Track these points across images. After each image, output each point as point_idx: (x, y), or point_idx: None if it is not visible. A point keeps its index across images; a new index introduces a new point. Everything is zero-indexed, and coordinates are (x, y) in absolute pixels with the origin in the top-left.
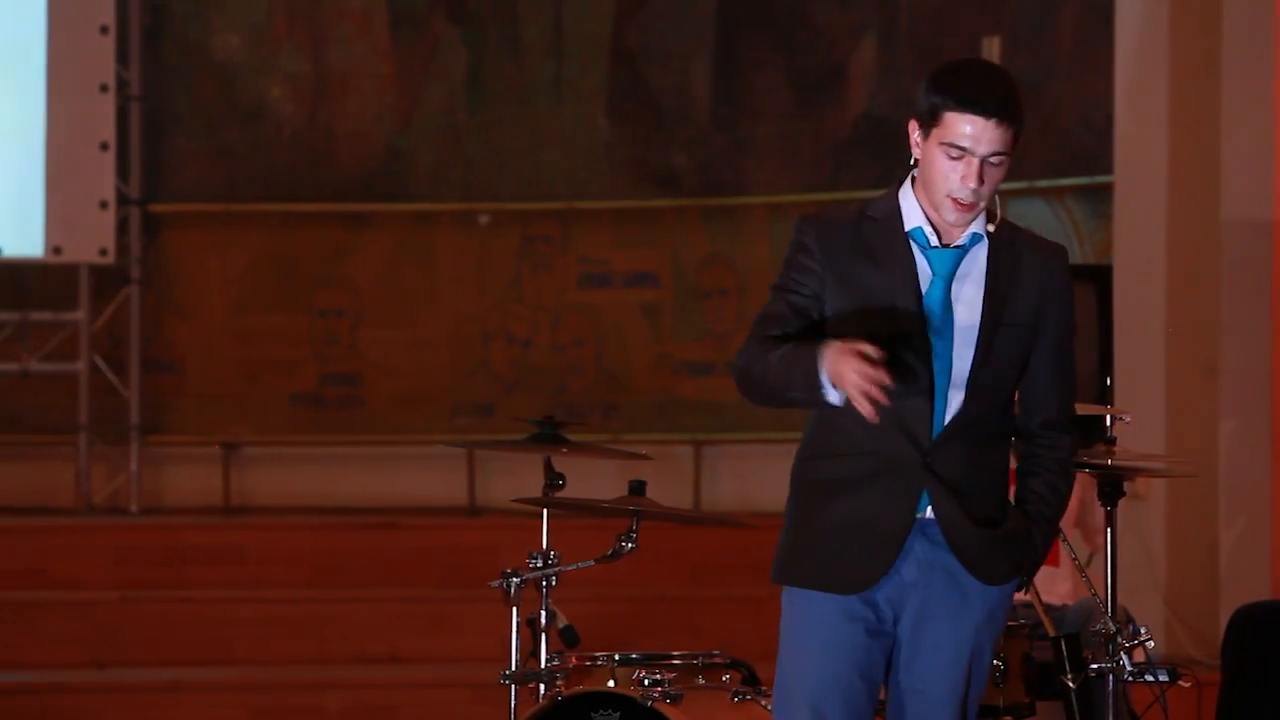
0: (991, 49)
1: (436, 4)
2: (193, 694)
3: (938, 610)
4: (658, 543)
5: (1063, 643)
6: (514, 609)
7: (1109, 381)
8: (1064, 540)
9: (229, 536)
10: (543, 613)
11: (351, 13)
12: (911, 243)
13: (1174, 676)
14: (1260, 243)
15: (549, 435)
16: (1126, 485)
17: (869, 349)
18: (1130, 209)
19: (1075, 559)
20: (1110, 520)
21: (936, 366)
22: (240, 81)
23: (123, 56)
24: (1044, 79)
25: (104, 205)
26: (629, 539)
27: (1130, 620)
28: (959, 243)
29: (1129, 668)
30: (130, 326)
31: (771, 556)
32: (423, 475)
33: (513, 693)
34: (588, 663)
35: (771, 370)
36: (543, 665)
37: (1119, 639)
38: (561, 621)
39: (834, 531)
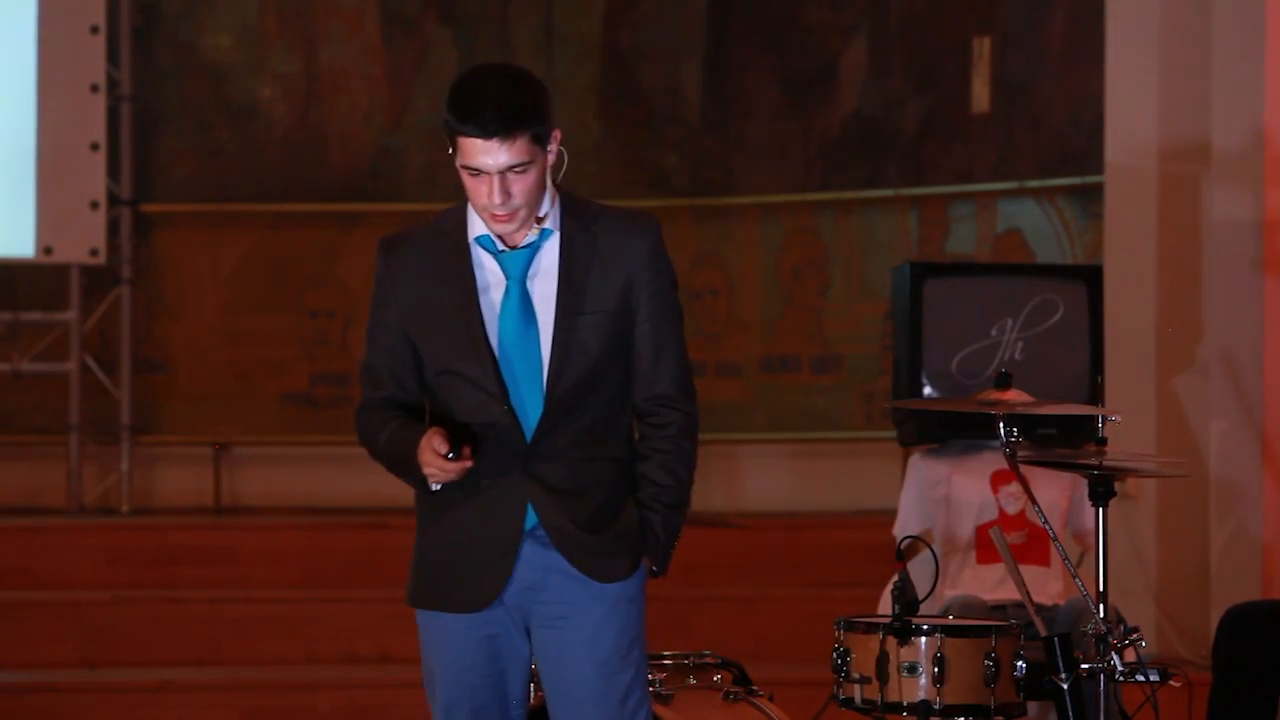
0: (982, 49)
1: (428, 4)
2: (183, 694)
3: (563, 610)
4: None
5: (1054, 643)
6: None
7: (1099, 382)
8: (1055, 541)
9: (219, 537)
10: None
11: (342, 13)
12: (480, 251)
13: (1165, 676)
14: (1250, 243)
15: None
16: (1117, 485)
17: (438, 443)
18: (1121, 209)
19: (1066, 559)
20: (1101, 520)
21: (520, 372)
22: (231, 82)
23: (113, 57)
24: (1034, 79)
25: (95, 205)
26: None
27: (1121, 620)
28: (528, 241)
29: (1120, 667)
30: (121, 327)
31: (761, 558)
32: None
33: None
34: None
35: (383, 456)
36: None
37: (1110, 639)
38: None
39: (446, 550)
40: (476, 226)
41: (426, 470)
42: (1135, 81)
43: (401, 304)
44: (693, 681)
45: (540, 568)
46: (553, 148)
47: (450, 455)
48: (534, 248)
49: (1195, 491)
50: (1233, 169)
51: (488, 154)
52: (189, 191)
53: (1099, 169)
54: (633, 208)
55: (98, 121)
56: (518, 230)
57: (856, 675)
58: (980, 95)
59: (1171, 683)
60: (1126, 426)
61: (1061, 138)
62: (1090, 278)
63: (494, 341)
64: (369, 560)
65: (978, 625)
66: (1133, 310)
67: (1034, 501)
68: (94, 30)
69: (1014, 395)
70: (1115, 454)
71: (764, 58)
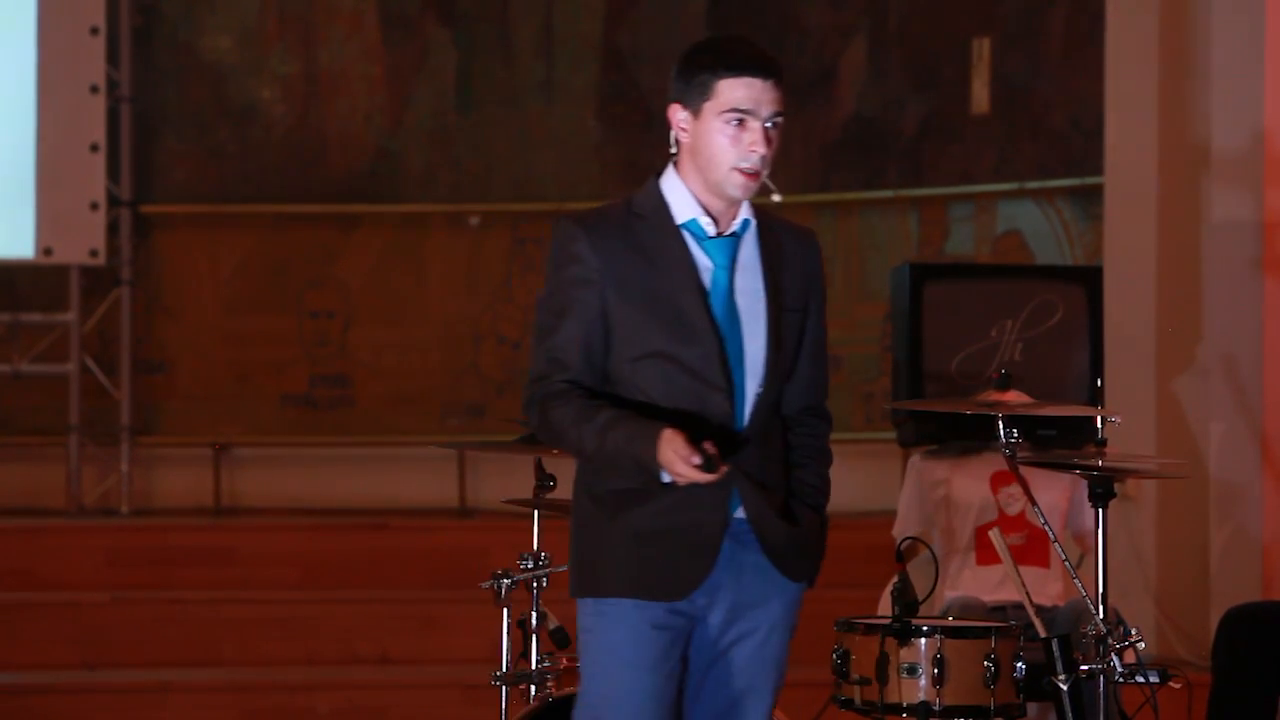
0: (981, 50)
1: (427, 5)
2: (182, 695)
3: (748, 611)
4: None
5: (1054, 644)
6: (505, 610)
7: (1099, 383)
8: (1055, 542)
9: (219, 537)
10: (534, 614)
11: (342, 14)
12: (687, 236)
13: (1164, 677)
14: (1249, 244)
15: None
16: (1117, 487)
17: (686, 453)
18: (1120, 211)
19: (1066, 560)
20: (1101, 522)
21: (731, 363)
22: (231, 83)
23: (113, 58)
24: (1034, 80)
25: (94, 206)
26: None
27: (1121, 621)
28: (733, 230)
29: (1119, 669)
30: (121, 327)
31: None
32: (413, 476)
33: (504, 694)
34: (578, 664)
35: (586, 440)
36: (534, 666)
37: (1109, 640)
38: (552, 623)
39: (646, 539)
40: (682, 211)
41: (678, 478)
42: (1135, 83)
43: (607, 283)
44: None
45: (735, 566)
46: None
47: (703, 465)
48: (736, 238)
49: (1195, 493)
50: (1232, 170)
51: (764, 94)
52: (189, 192)
53: (1099, 170)
54: None
55: (97, 122)
56: (738, 209)
57: (856, 676)
58: (980, 96)
59: (1171, 684)
60: (1126, 428)
61: (1061, 139)
62: (1090, 279)
63: (716, 329)
64: (368, 561)
65: (977, 626)
66: (1132, 311)
67: (1034, 503)
68: (94, 31)
69: (1014, 396)
70: (1115, 455)
71: None
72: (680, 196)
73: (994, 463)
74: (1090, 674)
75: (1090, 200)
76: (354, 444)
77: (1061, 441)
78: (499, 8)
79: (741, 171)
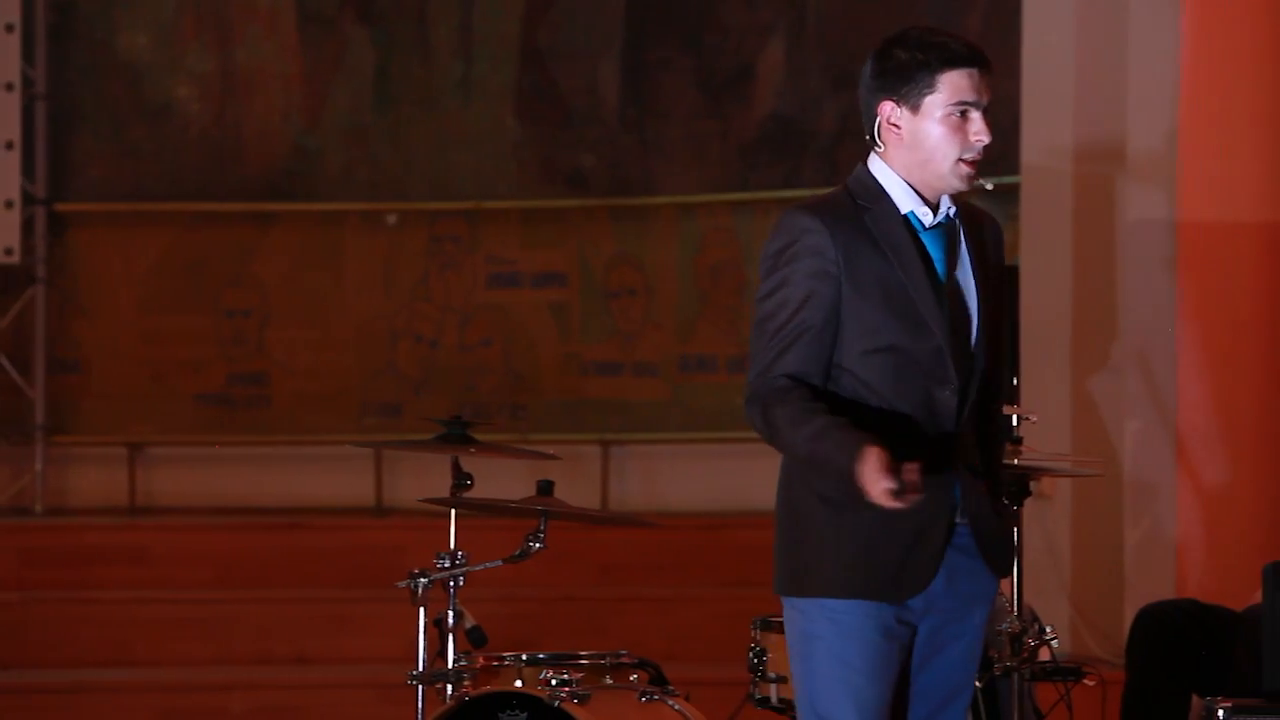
0: None
1: (345, 4)
2: (96, 695)
3: (958, 613)
4: (565, 543)
5: None
6: (421, 609)
7: (1015, 382)
8: None
9: (134, 537)
10: (450, 613)
11: (259, 12)
12: (912, 227)
13: (1078, 675)
14: (1164, 243)
15: (457, 435)
16: (1033, 485)
17: (881, 477)
18: (1036, 210)
19: None
20: (1016, 520)
21: (956, 357)
22: (147, 80)
23: (28, 55)
24: None
25: (9, 205)
26: (537, 539)
27: (1036, 619)
28: (939, 220)
29: (1034, 666)
30: (35, 326)
31: (678, 558)
32: (330, 475)
33: (420, 693)
34: (495, 663)
35: (799, 445)
36: (450, 665)
37: (1025, 638)
38: (469, 622)
39: (875, 538)
40: (904, 203)
41: (870, 493)
42: (1051, 83)
43: (845, 275)
44: (609, 681)
45: (950, 570)
46: None
47: (896, 490)
48: (948, 228)
49: (1109, 491)
50: (1147, 170)
51: (983, 84)
52: (104, 190)
53: (1015, 169)
54: (553, 207)
55: (12, 120)
56: (968, 188)
57: (773, 675)
58: None
59: (1085, 681)
60: (1041, 426)
61: None
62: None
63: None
64: (285, 560)
65: None
66: (1048, 310)
67: None
68: (9, 28)
69: None
70: (1030, 454)
71: (682, 58)
72: (897, 188)
73: None
74: (1005, 671)
75: (1006, 199)
76: (270, 443)
77: None
78: (417, 6)
79: (967, 162)
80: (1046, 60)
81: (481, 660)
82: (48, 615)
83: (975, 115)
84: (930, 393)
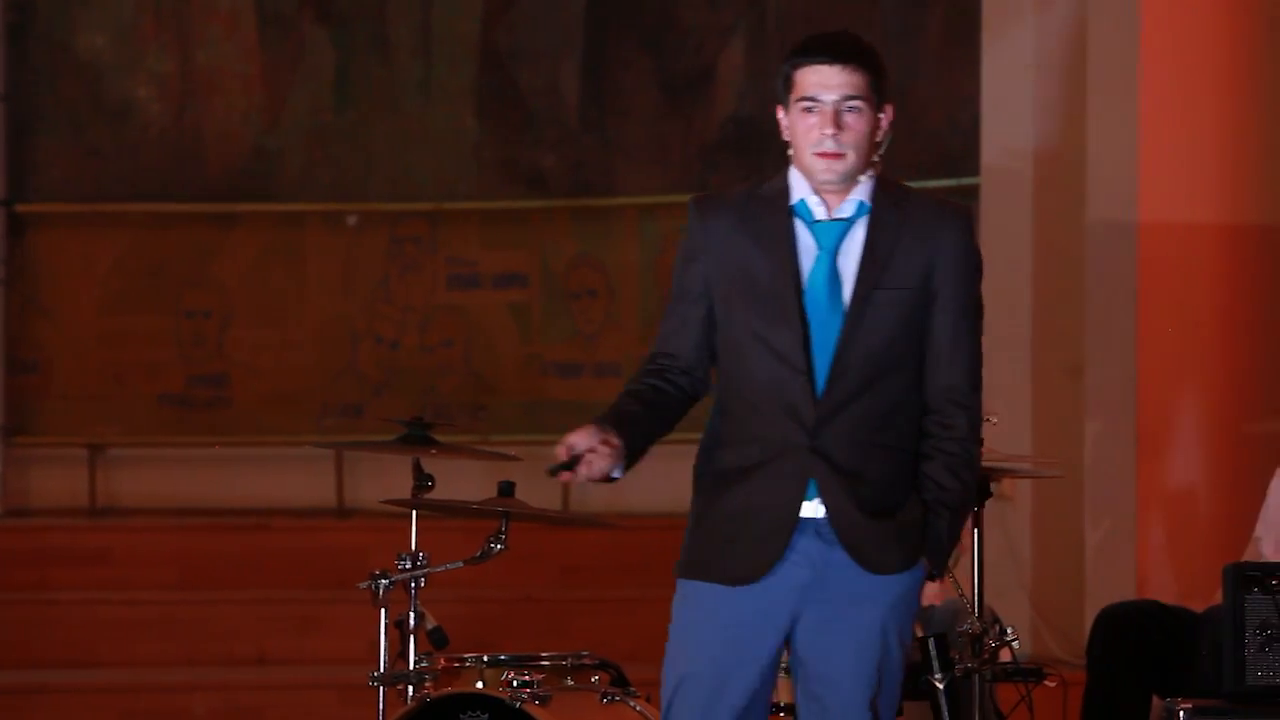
0: None
1: (304, 4)
2: (58, 696)
3: (839, 610)
4: (527, 544)
5: (930, 643)
6: (382, 610)
7: None
8: None
9: (95, 538)
10: (411, 614)
11: (219, 13)
12: (796, 219)
13: (1039, 676)
14: (1125, 245)
15: (417, 436)
16: (993, 486)
17: (566, 445)
18: (996, 211)
19: None
20: (977, 521)
21: (818, 345)
22: (107, 81)
23: None
24: (911, 80)
25: None
26: (498, 540)
27: (997, 620)
28: (843, 215)
29: (995, 667)
30: None
31: (640, 559)
32: (291, 476)
33: (381, 694)
34: (456, 664)
35: None
36: (411, 667)
37: (985, 639)
38: (430, 623)
39: (725, 522)
40: (797, 193)
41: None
42: (1011, 84)
43: (712, 262)
44: (570, 683)
45: (821, 565)
46: (884, 118)
47: (554, 470)
48: (849, 222)
49: (1070, 492)
50: (1108, 171)
51: (830, 78)
52: (64, 191)
53: (975, 170)
54: (513, 208)
55: None
56: (844, 188)
57: None
58: None
59: (1046, 682)
60: (1002, 427)
61: (938, 139)
62: None
63: (805, 312)
64: (246, 562)
65: None
66: (1008, 311)
67: None
68: None
69: None
70: (991, 455)
71: (642, 58)
72: (797, 182)
73: None
74: (966, 672)
75: (966, 201)
76: (231, 444)
77: None
78: (376, 7)
79: (819, 154)
80: (1006, 62)
81: (443, 661)
82: (9, 617)
83: (824, 110)
84: (785, 382)
